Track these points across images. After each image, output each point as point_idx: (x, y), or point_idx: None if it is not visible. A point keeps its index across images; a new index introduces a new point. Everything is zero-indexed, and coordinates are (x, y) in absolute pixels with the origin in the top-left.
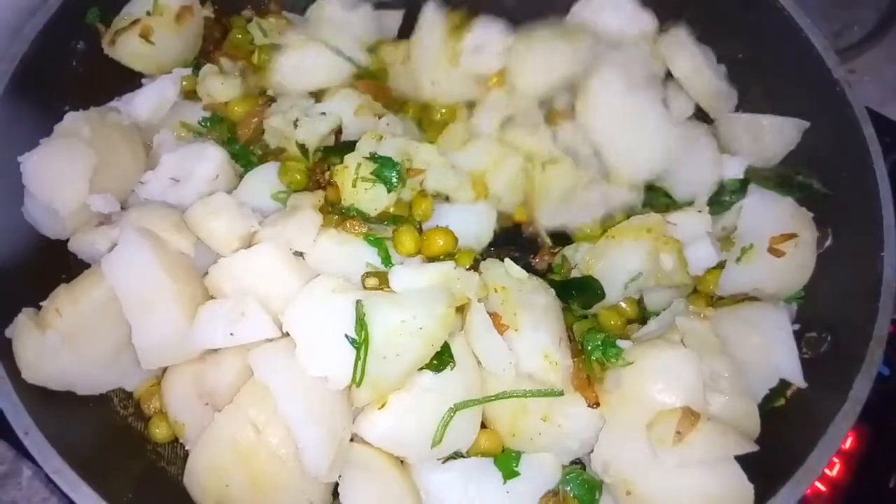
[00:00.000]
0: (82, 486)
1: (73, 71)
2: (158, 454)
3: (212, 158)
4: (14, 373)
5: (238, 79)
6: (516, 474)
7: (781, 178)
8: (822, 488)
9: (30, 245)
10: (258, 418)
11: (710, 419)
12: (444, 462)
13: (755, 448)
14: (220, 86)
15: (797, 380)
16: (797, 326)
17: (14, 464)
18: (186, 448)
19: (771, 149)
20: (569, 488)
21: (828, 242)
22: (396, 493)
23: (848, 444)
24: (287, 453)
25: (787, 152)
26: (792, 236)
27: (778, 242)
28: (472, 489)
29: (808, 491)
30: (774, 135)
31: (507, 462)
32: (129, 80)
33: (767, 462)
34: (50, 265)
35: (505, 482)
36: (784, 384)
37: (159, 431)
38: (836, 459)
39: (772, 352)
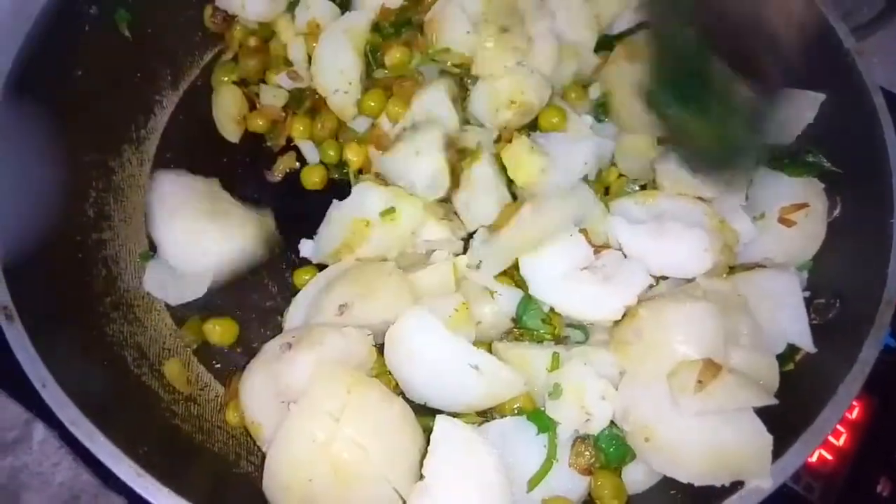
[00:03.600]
0: (98, 437)
1: (85, 35)
2: (172, 412)
3: None
4: (30, 327)
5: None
6: (550, 427)
7: (791, 158)
8: (829, 457)
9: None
10: (332, 407)
11: (731, 371)
12: (479, 425)
13: (774, 401)
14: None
15: (807, 345)
16: (807, 293)
17: (25, 429)
18: (265, 449)
19: (786, 123)
20: (603, 445)
21: (836, 211)
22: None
23: (855, 414)
24: (365, 440)
25: (803, 127)
26: (803, 206)
27: (788, 212)
28: (510, 447)
29: (815, 459)
30: (789, 109)
31: (540, 417)
32: (140, 47)
33: (776, 424)
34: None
35: (538, 434)
36: (793, 349)
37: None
38: (842, 429)
39: (781, 317)
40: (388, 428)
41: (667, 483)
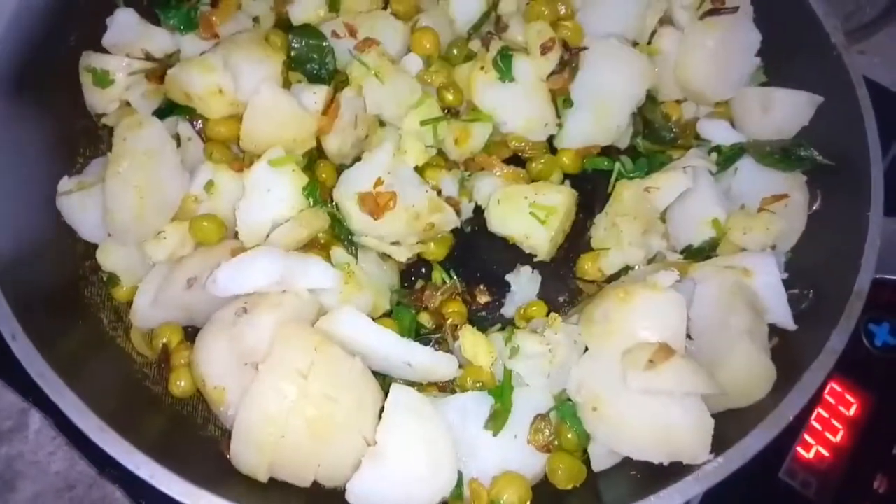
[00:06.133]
0: (66, 392)
1: (79, 3)
2: (144, 374)
3: None
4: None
5: None
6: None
7: (784, 152)
8: (826, 454)
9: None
10: (301, 365)
11: (683, 357)
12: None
13: (720, 391)
14: None
15: (787, 323)
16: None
17: (21, 418)
18: (229, 413)
19: (782, 123)
20: (568, 422)
21: (816, 204)
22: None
23: (852, 411)
24: (335, 392)
25: (799, 128)
26: (783, 197)
27: (769, 203)
28: (471, 421)
29: (812, 456)
30: (786, 109)
31: (500, 392)
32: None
33: (743, 409)
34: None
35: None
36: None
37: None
38: (840, 426)
39: (760, 296)
40: (353, 380)
41: (627, 463)
